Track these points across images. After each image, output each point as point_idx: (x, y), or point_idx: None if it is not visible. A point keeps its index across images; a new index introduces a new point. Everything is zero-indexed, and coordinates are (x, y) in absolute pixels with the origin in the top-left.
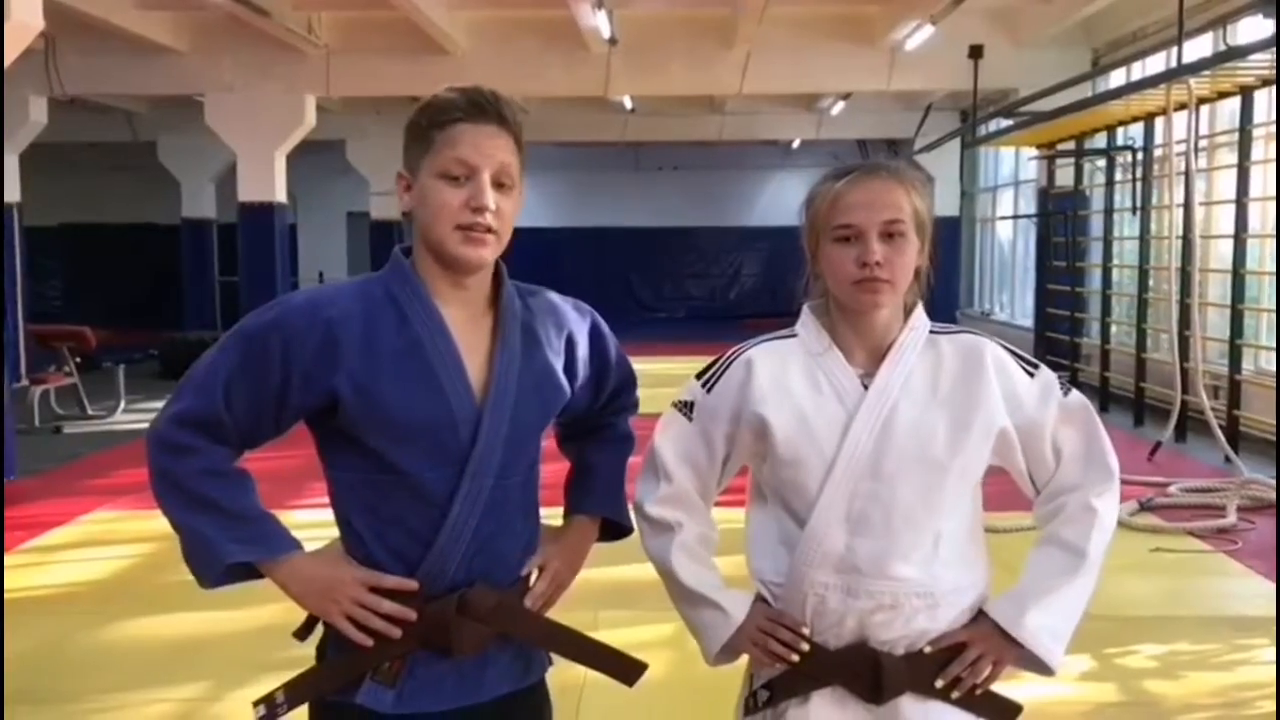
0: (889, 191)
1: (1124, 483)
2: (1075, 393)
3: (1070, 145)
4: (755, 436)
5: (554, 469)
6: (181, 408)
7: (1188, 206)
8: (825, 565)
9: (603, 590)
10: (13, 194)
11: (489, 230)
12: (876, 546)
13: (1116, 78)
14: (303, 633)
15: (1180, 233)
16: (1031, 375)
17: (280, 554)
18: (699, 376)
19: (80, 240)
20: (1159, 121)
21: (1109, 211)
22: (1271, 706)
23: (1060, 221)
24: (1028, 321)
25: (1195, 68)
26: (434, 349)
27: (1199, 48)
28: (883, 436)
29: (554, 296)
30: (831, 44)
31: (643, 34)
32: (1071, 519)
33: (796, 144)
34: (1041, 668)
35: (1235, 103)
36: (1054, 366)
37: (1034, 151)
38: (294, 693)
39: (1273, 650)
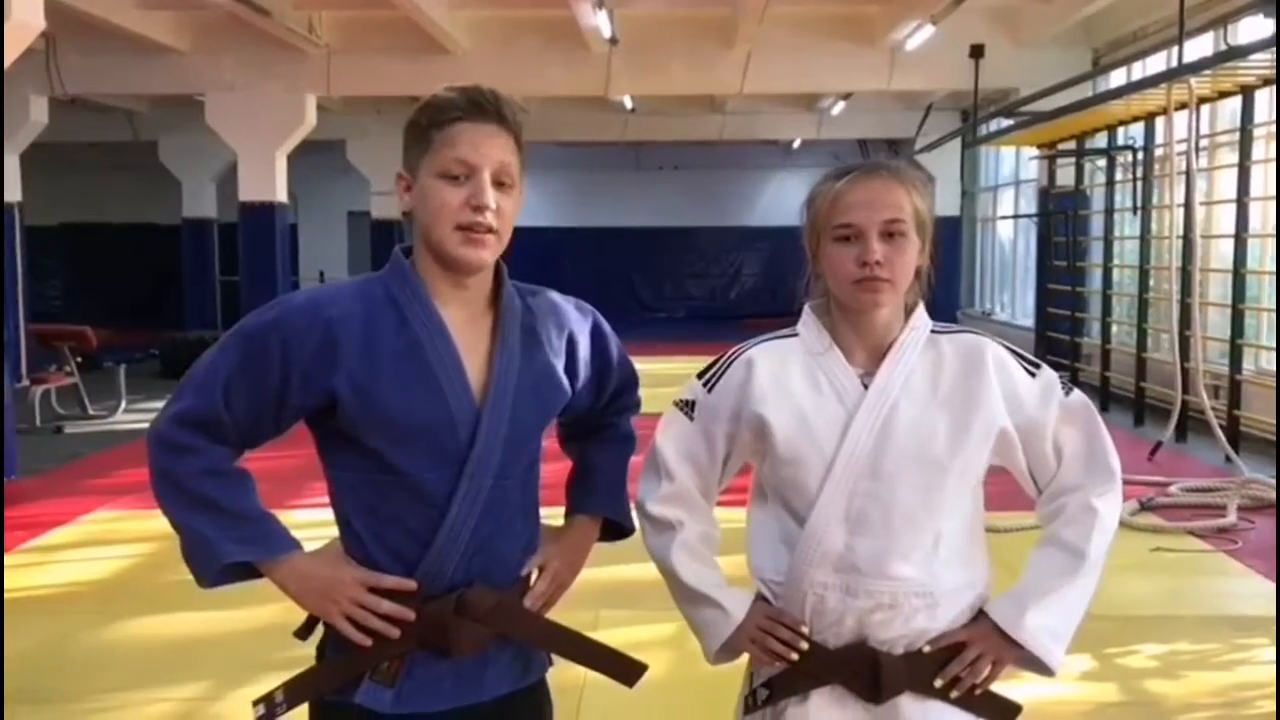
0: (889, 191)
1: (1125, 482)
2: (1077, 392)
3: (1071, 145)
4: (755, 436)
5: (554, 469)
6: (181, 407)
7: (1188, 206)
8: (825, 564)
9: (603, 590)
10: (13, 194)
11: (489, 230)
12: (876, 546)
13: (1117, 77)
14: (303, 632)
15: (1181, 232)
16: (1033, 375)
17: (279, 554)
18: (700, 376)
19: (81, 240)
20: (1159, 121)
21: (1109, 211)
22: (1271, 706)
23: (1061, 221)
24: (1028, 321)
25: (1196, 67)
26: (433, 350)
27: (1199, 47)
28: (882, 436)
29: (555, 296)
30: (832, 44)
31: (643, 34)
32: (1072, 519)
33: (797, 144)
34: (1041, 668)
35: (1236, 102)
36: (1055, 366)
37: (1034, 151)
38: (293, 692)
39: (1273, 650)
